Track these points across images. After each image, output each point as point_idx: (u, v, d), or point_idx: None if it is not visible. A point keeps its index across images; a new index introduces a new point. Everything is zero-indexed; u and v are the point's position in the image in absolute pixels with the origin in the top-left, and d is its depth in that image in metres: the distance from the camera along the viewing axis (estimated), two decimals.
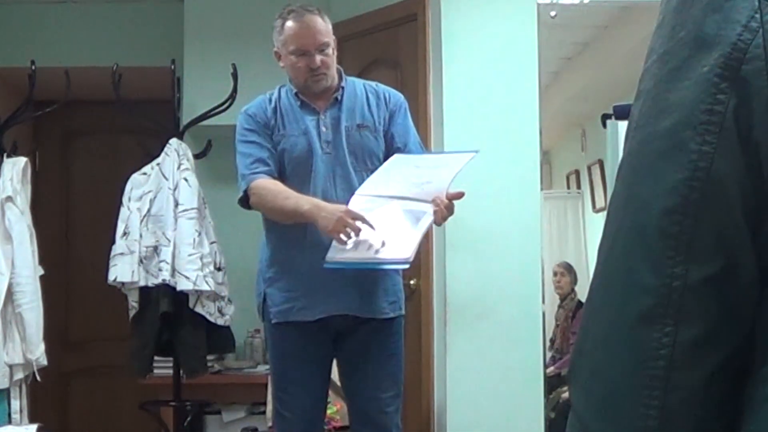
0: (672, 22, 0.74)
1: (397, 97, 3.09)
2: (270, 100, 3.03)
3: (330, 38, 2.98)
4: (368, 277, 2.91)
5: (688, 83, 0.71)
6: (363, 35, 4.35)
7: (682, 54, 0.72)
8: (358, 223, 2.72)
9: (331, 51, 2.98)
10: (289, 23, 2.96)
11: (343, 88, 3.02)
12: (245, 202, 2.97)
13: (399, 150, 3.00)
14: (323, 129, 2.97)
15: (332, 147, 2.96)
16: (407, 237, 2.72)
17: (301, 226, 2.85)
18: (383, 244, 2.73)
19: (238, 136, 3.02)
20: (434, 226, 3.79)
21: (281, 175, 2.97)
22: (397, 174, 2.87)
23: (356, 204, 2.81)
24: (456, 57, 3.88)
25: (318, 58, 2.93)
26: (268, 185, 2.92)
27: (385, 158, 2.98)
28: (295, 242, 2.90)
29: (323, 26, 2.96)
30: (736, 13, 0.70)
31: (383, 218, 2.77)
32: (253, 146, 2.97)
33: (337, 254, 2.75)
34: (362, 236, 2.72)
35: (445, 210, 2.74)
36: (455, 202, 2.79)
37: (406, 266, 2.79)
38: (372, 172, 2.93)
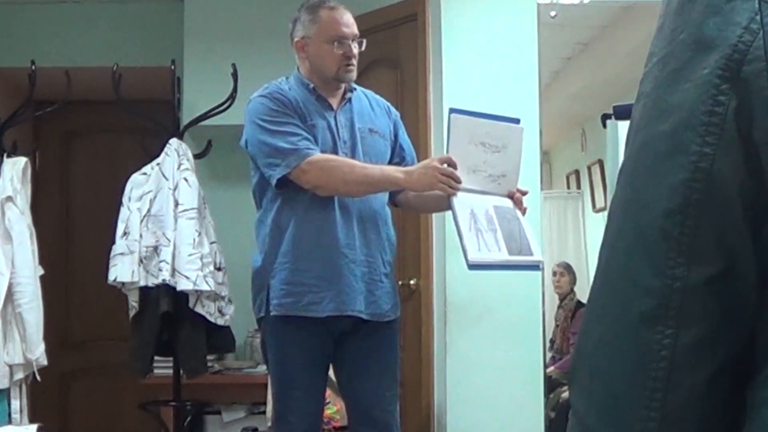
0: (672, 24, 0.75)
1: (394, 109, 3.16)
2: (287, 89, 2.96)
3: None
4: (376, 279, 2.91)
5: (688, 85, 0.71)
6: (363, 35, 4.34)
7: (683, 56, 0.73)
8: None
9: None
10: (327, 12, 2.95)
11: (354, 89, 3.03)
12: (283, 180, 2.82)
13: (406, 162, 3.02)
14: (339, 128, 2.96)
15: (349, 147, 2.93)
16: (528, 238, 2.80)
17: (330, 219, 2.83)
18: (516, 244, 2.77)
19: (265, 117, 2.88)
20: (434, 228, 3.83)
21: None
22: (471, 157, 2.85)
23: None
24: (456, 57, 3.88)
25: (354, 48, 2.95)
26: (335, 158, 2.85)
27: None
28: (315, 235, 2.85)
29: None
30: (736, 15, 0.70)
31: (493, 216, 2.79)
32: (292, 126, 2.86)
33: (481, 255, 2.69)
34: (501, 236, 2.75)
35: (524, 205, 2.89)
36: None
37: (539, 270, 3.00)
38: None
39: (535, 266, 2.88)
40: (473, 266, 2.69)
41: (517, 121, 2.99)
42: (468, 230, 2.69)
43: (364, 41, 3.01)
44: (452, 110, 2.94)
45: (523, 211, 2.87)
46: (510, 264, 2.77)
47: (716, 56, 0.70)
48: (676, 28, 0.74)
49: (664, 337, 0.71)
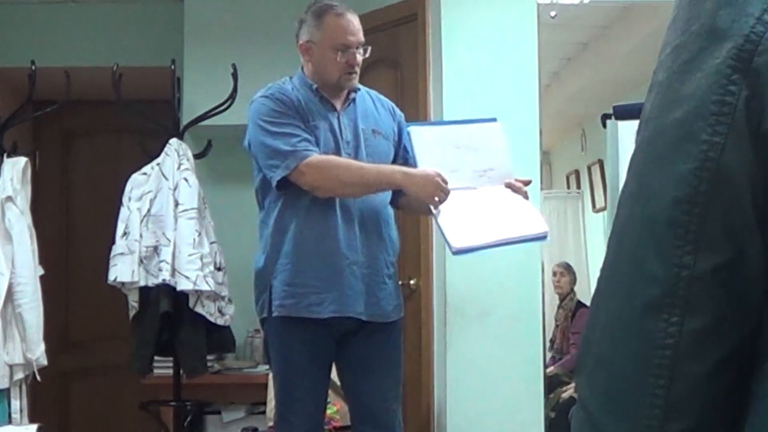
0: (685, 15, 0.75)
1: (398, 110, 3.15)
2: (290, 89, 2.95)
3: None
4: (378, 280, 2.91)
5: (700, 75, 0.72)
6: (363, 35, 4.35)
7: (695, 46, 0.73)
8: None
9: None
10: (333, 18, 2.94)
11: (358, 90, 3.02)
12: (283, 181, 2.82)
13: (409, 164, 3.01)
14: (343, 129, 2.95)
15: (352, 148, 2.93)
16: (527, 213, 2.81)
17: (332, 220, 2.83)
18: (510, 221, 2.79)
19: (266, 118, 2.88)
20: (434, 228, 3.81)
21: None
22: (448, 160, 2.88)
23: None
24: (456, 57, 3.88)
25: (358, 56, 2.95)
26: (333, 159, 2.85)
27: None
28: (316, 236, 2.85)
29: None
30: (749, 6, 0.71)
31: (478, 203, 2.80)
32: (292, 127, 2.86)
33: (466, 240, 2.72)
34: (488, 218, 2.77)
35: (525, 188, 2.88)
36: None
37: (546, 240, 2.96)
38: None
39: (541, 237, 2.88)
40: (458, 252, 2.72)
41: (492, 120, 3.03)
42: (448, 223, 2.72)
43: (369, 48, 3.01)
44: (408, 124, 3.06)
45: (524, 195, 2.87)
46: (508, 241, 2.78)
47: (728, 46, 0.70)
48: (690, 18, 0.74)
49: (669, 325, 0.71)
